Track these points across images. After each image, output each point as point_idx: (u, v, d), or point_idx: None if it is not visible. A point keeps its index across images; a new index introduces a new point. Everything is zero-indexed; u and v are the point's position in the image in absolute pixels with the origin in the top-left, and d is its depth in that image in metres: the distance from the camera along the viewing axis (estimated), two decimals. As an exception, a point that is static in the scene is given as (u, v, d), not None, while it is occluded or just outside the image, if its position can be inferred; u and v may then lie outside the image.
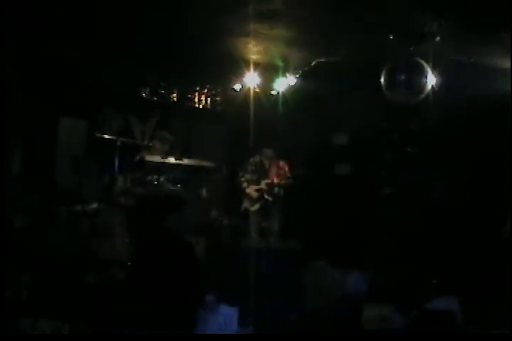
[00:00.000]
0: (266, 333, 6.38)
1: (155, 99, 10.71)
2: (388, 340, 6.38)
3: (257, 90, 10.48)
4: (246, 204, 9.99)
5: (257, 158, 10.03)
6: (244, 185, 9.93)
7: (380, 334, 6.54)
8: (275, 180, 9.85)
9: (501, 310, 7.06)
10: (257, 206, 9.89)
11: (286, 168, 9.98)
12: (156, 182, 8.53)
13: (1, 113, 6.05)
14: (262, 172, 9.97)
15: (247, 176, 9.97)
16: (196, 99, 11.14)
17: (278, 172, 9.89)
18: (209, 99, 11.22)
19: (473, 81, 8.68)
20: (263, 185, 9.87)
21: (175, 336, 5.13)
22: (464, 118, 9.71)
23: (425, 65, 7.86)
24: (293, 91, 10.34)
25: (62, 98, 9.49)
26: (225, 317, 5.47)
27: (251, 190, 9.90)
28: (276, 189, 9.90)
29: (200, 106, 11.21)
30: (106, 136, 8.28)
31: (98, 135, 8.31)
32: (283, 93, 10.45)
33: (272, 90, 10.56)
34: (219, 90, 11.30)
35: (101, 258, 7.72)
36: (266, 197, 9.86)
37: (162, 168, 8.57)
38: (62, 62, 9.28)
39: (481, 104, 9.10)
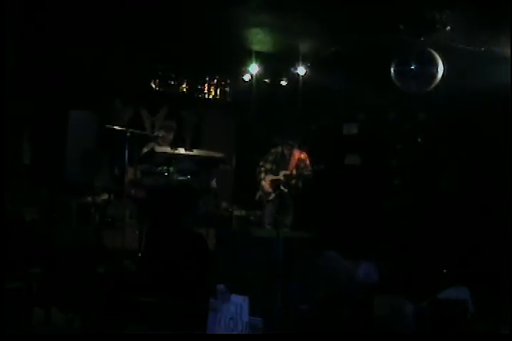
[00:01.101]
0: (272, 333, 6.38)
1: (165, 90, 10.72)
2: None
3: (267, 81, 10.48)
4: (261, 193, 9.94)
5: (278, 149, 9.95)
6: (262, 175, 9.86)
7: (382, 335, 6.53)
8: (294, 172, 9.77)
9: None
10: (272, 196, 9.85)
11: (308, 161, 9.89)
12: (166, 174, 8.53)
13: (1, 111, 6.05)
14: (282, 163, 9.90)
15: (267, 166, 9.90)
16: (206, 90, 11.14)
17: (298, 164, 9.80)
18: (218, 89, 11.21)
19: (483, 70, 8.65)
20: (281, 176, 9.81)
21: (175, 336, 5.15)
22: (474, 108, 9.68)
23: (436, 54, 7.84)
24: (303, 81, 10.32)
25: (72, 90, 9.52)
26: (237, 306, 5.46)
27: (267, 182, 9.85)
28: (293, 181, 9.84)
29: (210, 97, 11.20)
30: (116, 128, 8.29)
31: (108, 127, 8.33)
32: (293, 83, 10.44)
33: (282, 81, 10.56)
34: (228, 81, 11.29)
35: (112, 250, 7.75)
36: (282, 188, 9.79)
37: (172, 158, 8.58)
38: (72, 55, 9.31)
39: (492, 93, 9.06)
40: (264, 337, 5.72)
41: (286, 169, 9.79)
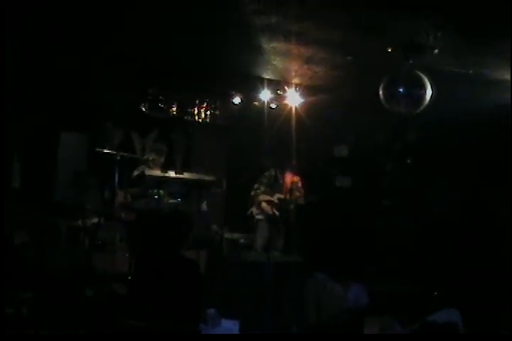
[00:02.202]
0: (272, 333, 6.38)
1: (154, 113, 10.72)
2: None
3: (257, 104, 10.50)
4: (254, 212, 9.93)
5: (272, 172, 9.99)
6: (260, 198, 9.87)
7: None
8: (288, 196, 9.79)
9: (503, 322, 7.05)
10: (263, 216, 9.85)
11: (300, 183, 9.93)
12: (156, 196, 8.52)
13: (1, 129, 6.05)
14: (275, 186, 9.93)
15: (262, 188, 9.92)
16: (196, 113, 11.14)
17: (291, 187, 9.84)
18: (208, 112, 11.22)
19: (472, 92, 8.70)
20: (275, 199, 9.83)
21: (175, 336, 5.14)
22: (462, 130, 9.73)
23: (424, 77, 7.87)
24: (292, 104, 10.34)
25: (62, 113, 9.52)
26: (227, 331, 5.45)
27: (265, 204, 9.85)
28: (287, 205, 9.85)
29: (200, 120, 11.20)
30: (106, 151, 8.29)
31: (98, 149, 8.32)
32: (283, 106, 10.46)
33: (272, 103, 10.58)
34: (218, 104, 11.30)
35: (101, 273, 7.71)
36: (275, 211, 9.81)
37: (162, 182, 8.57)
38: (62, 76, 9.31)
39: (480, 115, 9.11)
40: (264, 337, 5.70)
41: (279, 192, 9.82)
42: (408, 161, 10.69)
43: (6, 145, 6.64)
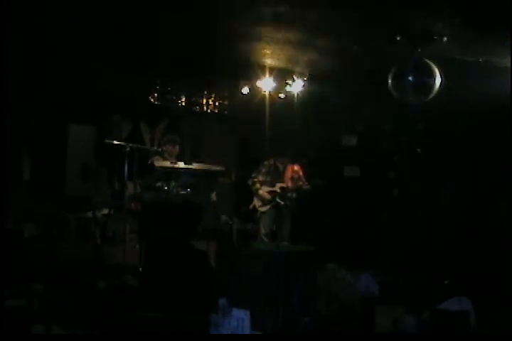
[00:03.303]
0: (272, 334, 6.38)
1: (163, 104, 10.72)
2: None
3: (265, 93, 10.49)
4: (257, 204, 9.94)
5: (271, 161, 9.97)
6: (257, 185, 9.88)
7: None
8: (290, 185, 9.80)
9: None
10: (267, 208, 9.86)
11: (301, 173, 9.92)
12: (166, 188, 8.53)
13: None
14: (275, 175, 9.93)
15: (260, 177, 9.92)
16: (204, 104, 11.13)
17: (292, 176, 9.85)
18: (217, 103, 11.21)
19: (481, 81, 8.66)
20: (277, 188, 9.83)
21: (176, 336, 5.14)
22: (472, 119, 9.70)
23: (433, 65, 7.84)
24: (301, 94, 10.33)
25: (71, 105, 9.53)
26: (238, 321, 5.44)
27: (264, 192, 9.86)
28: (289, 193, 9.86)
29: (208, 111, 11.19)
30: (115, 142, 8.29)
31: (107, 141, 8.33)
32: (291, 96, 10.45)
33: (280, 93, 10.56)
34: (226, 94, 11.28)
35: (112, 265, 7.74)
36: (278, 200, 9.81)
37: (172, 172, 8.57)
38: (71, 69, 9.32)
39: (490, 103, 9.07)
40: (264, 337, 5.71)
41: (279, 181, 9.83)
42: (418, 150, 10.65)
43: (3, 140, 6.64)
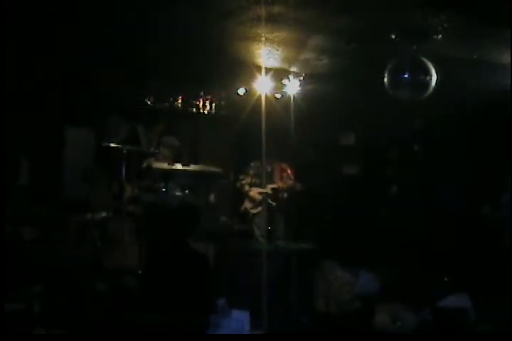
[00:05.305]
0: (272, 334, 6.39)
1: (159, 106, 10.71)
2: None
3: (261, 94, 10.48)
4: (248, 206, 9.93)
5: (258, 162, 9.96)
6: (246, 188, 9.87)
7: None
8: (280, 185, 9.80)
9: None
10: (259, 209, 9.84)
11: (289, 171, 9.92)
12: (164, 189, 8.53)
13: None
14: (265, 176, 9.91)
15: (248, 179, 9.92)
16: (201, 105, 11.12)
17: (281, 176, 9.86)
18: (213, 104, 11.20)
19: (476, 77, 8.67)
20: (268, 189, 9.81)
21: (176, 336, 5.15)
22: (468, 116, 9.71)
23: (429, 63, 7.85)
24: (297, 94, 10.32)
25: (68, 108, 9.53)
26: (238, 322, 5.45)
27: (254, 193, 9.85)
28: (281, 194, 9.85)
29: (205, 112, 11.18)
30: (112, 145, 8.30)
31: (105, 144, 8.33)
32: (287, 96, 10.43)
33: (276, 93, 10.55)
34: (223, 95, 11.27)
35: (111, 267, 7.74)
36: (269, 201, 9.79)
37: (169, 174, 8.58)
38: (67, 71, 9.32)
39: (486, 100, 9.08)
40: (264, 337, 5.72)
41: (269, 182, 9.80)
42: (415, 148, 10.66)
43: (3, 142, 6.64)
